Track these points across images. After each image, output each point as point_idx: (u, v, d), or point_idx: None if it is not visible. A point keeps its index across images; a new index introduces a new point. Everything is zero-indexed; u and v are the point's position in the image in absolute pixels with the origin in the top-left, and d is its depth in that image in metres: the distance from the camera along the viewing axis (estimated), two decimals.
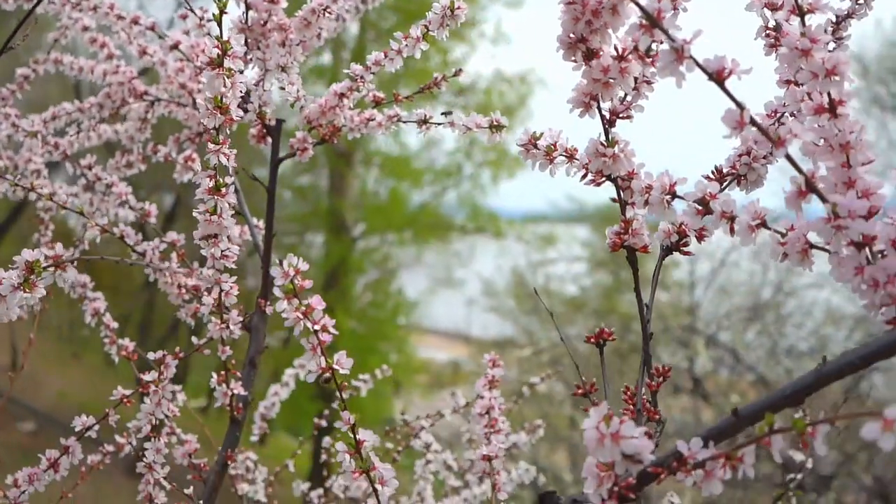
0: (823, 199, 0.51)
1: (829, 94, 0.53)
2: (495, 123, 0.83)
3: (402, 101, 0.96)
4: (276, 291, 0.61)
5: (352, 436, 0.64)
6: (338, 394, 0.64)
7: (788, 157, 0.50)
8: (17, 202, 1.57)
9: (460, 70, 0.98)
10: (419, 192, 12.25)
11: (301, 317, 0.61)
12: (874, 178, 0.53)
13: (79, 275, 1.13)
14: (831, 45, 0.71)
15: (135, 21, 1.08)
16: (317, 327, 0.62)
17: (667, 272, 9.08)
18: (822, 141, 0.55)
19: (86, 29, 1.17)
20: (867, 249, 0.50)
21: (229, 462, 0.98)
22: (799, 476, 1.10)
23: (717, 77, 0.50)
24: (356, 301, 11.50)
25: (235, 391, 0.95)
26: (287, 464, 1.39)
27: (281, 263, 0.60)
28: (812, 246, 0.54)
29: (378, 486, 0.64)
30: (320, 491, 1.44)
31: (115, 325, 1.09)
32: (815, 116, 0.54)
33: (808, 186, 0.51)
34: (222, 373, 0.94)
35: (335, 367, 0.63)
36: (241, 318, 0.90)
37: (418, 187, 12.20)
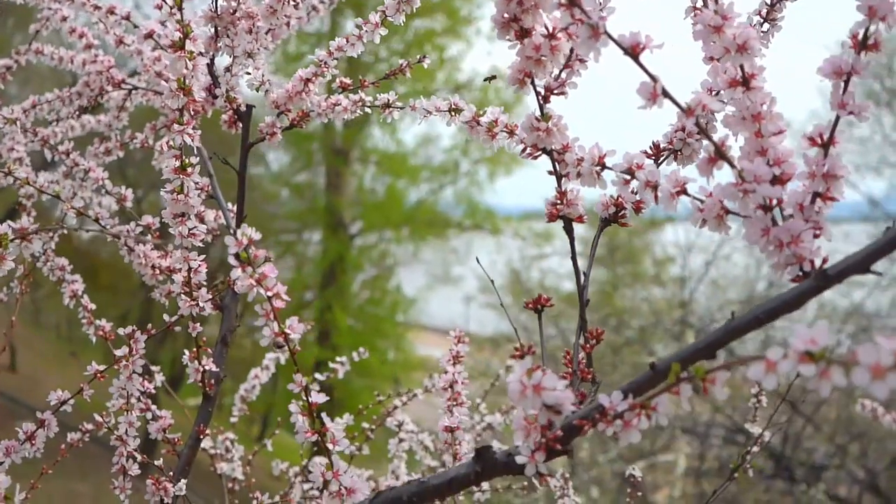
0: (732, 165, 0.54)
1: (741, 68, 0.56)
2: (453, 107, 0.86)
3: (367, 87, 1.00)
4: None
5: (305, 398, 0.68)
6: (292, 360, 0.68)
7: (698, 125, 0.54)
8: (12, 205, 1.59)
9: (424, 56, 1.01)
10: (416, 189, 12.28)
11: (255, 284, 0.65)
12: (786, 147, 0.57)
13: (57, 258, 1.16)
14: (766, 27, 0.75)
15: (111, 11, 1.11)
16: (270, 294, 0.65)
17: (663, 268, 9.11)
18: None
19: (64, 19, 1.20)
20: (773, 212, 0.54)
21: (201, 436, 1.01)
22: (755, 448, 1.13)
23: (633, 51, 0.53)
24: (354, 298, 11.54)
25: (207, 367, 0.99)
26: (265, 443, 1.42)
27: (235, 234, 0.64)
28: (728, 211, 0.57)
29: (330, 446, 0.67)
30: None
31: (92, 306, 1.12)
32: (730, 89, 0.57)
33: (718, 153, 0.55)
34: (194, 350, 0.98)
35: (287, 331, 0.66)
36: (210, 296, 0.93)
37: (415, 184, 12.23)
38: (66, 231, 1.00)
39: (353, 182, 12.05)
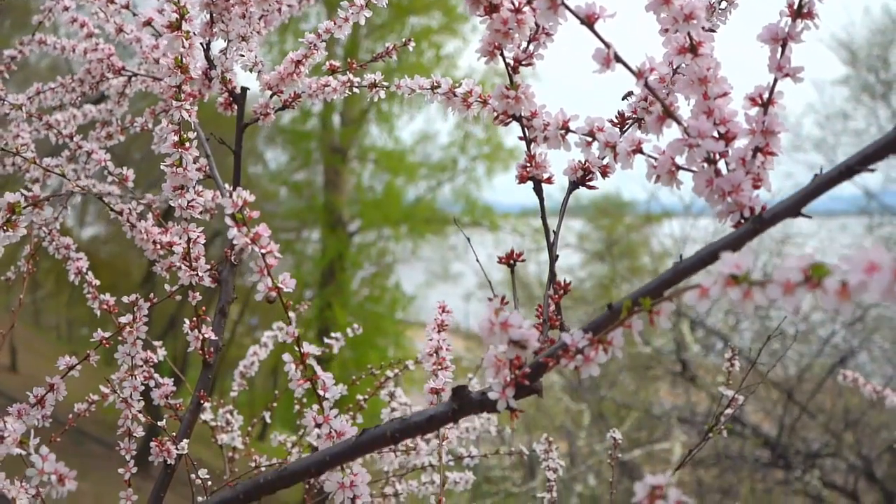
0: (679, 123, 0.60)
1: (689, 36, 0.62)
2: (435, 84, 0.91)
3: (355, 69, 1.05)
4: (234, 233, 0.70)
5: (297, 349, 0.73)
6: (284, 312, 0.73)
7: (647, 87, 0.59)
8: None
9: (409, 40, 1.07)
10: (414, 186, 12.34)
11: (249, 242, 0.70)
12: (730, 109, 0.62)
13: (62, 237, 1.22)
14: (724, 5, 0.80)
15: (111, 0, 1.17)
16: (264, 251, 0.70)
17: (661, 263, 9.17)
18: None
19: (66, 9, 1.26)
20: (718, 165, 0.59)
21: (202, 401, 1.06)
22: (729, 411, 1.18)
23: (588, 21, 0.59)
24: (353, 296, 11.59)
25: (207, 336, 1.04)
26: (264, 416, 1.48)
27: (231, 195, 0.69)
28: (678, 167, 0.63)
29: (321, 392, 0.73)
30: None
31: (97, 282, 1.17)
32: (680, 56, 0.63)
33: (666, 112, 0.60)
34: (194, 319, 1.03)
35: (280, 285, 0.72)
36: (209, 266, 0.99)
37: (413, 182, 12.29)
38: (84, 192, 1.05)
39: (352, 180, 12.10)
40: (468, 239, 1.02)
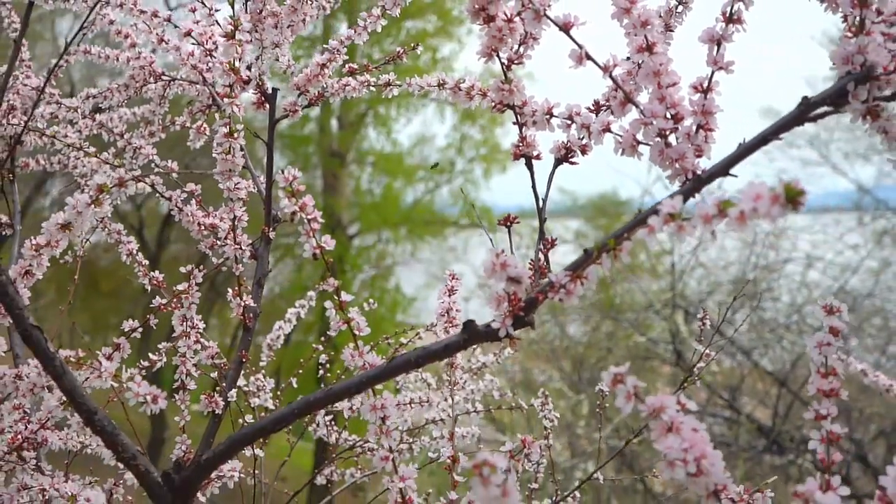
0: (637, 106, 0.77)
1: (646, 38, 0.79)
2: (441, 82, 1.08)
3: (370, 70, 1.22)
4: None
5: (337, 297, 0.90)
6: (325, 266, 0.90)
7: (611, 78, 0.76)
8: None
9: (417, 44, 1.24)
10: (412, 188, 12.50)
11: (298, 210, 0.87)
12: (679, 95, 0.79)
13: (113, 223, 1.39)
14: (680, 8, 0.97)
15: (154, 14, 1.33)
16: (310, 216, 0.87)
17: (659, 261, 9.33)
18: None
19: (111, 23, 1.42)
20: (667, 139, 0.76)
21: (243, 359, 1.23)
22: (701, 365, 1.35)
23: (565, 27, 0.76)
24: (354, 299, 11.74)
25: (247, 303, 1.21)
26: (291, 381, 1.64)
27: (283, 171, 0.86)
28: (638, 142, 0.80)
29: (356, 332, 0.90)
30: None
31: (146, 262, 1.34)
32: (638, 54, 0.79)
33: (627, 99, 0.77)
34: (237, 288, 1.20)
35: (322, 244, 0.88)
36: (250, 241, 1.16)
37: (411, 184, 12.45)
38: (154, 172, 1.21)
39: (350, 183, 12.27)
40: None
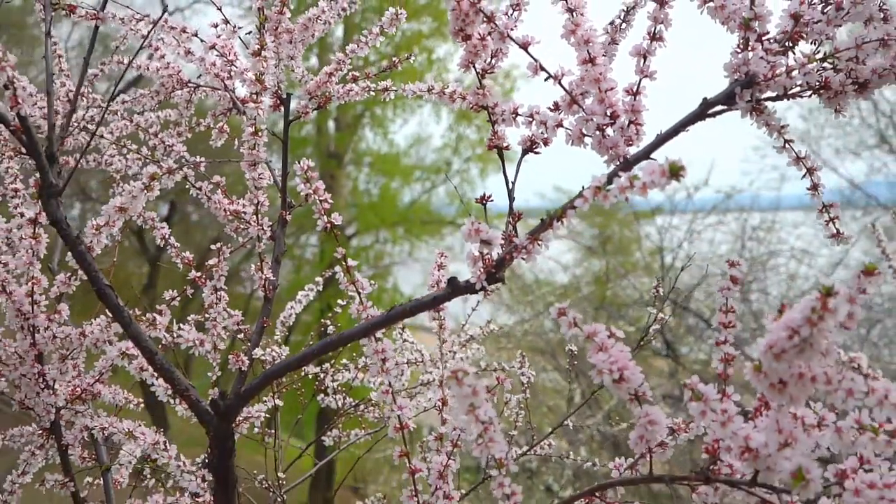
0: (581, 107, 0.98)
1: (588, 52, 1.00)
2: (430, 87, 1.29)
3: (371, 77, 1.44)
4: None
5: (344, 262, 1.11)
6: (335, 239, 1.11)
7: (560, 85, 0.98)
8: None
9: (410, 54, 1.45)
10: (409, 189, 12.70)
11: (312, 193, 1.08)
12: (617, 96, 1.00)
13: (147, 212, 1.60)
14: (623, 25, 1.18)
15: (183, 30, 1.54)
16: (321, 198, 1.08)
17: (654, 258, 9.55)
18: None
19: (144, 37, 1.63)
20: (605, 132, 0.98)
21: (265, 325, 1.44)
22: (656, 327, 1.55)
23: (524, 45, 0.97)
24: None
25: (268, 276, 1.42)
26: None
27: (299, 161, 1.07)
28: (584, 134, 1.01)
29: (360, 292, 1.11)
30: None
31: (177, 244, 1.55)
32: (582, 65, 1.01)
33: (572, 100, 0.98)
34: (258, 263, 1.41)
35: (332, 220, 1.10)
36: (271, 223, 1.37)
37: (408, 184, 12.65)
38: (182, 173, 1.42)
39: (348, 184, 12.47)
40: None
